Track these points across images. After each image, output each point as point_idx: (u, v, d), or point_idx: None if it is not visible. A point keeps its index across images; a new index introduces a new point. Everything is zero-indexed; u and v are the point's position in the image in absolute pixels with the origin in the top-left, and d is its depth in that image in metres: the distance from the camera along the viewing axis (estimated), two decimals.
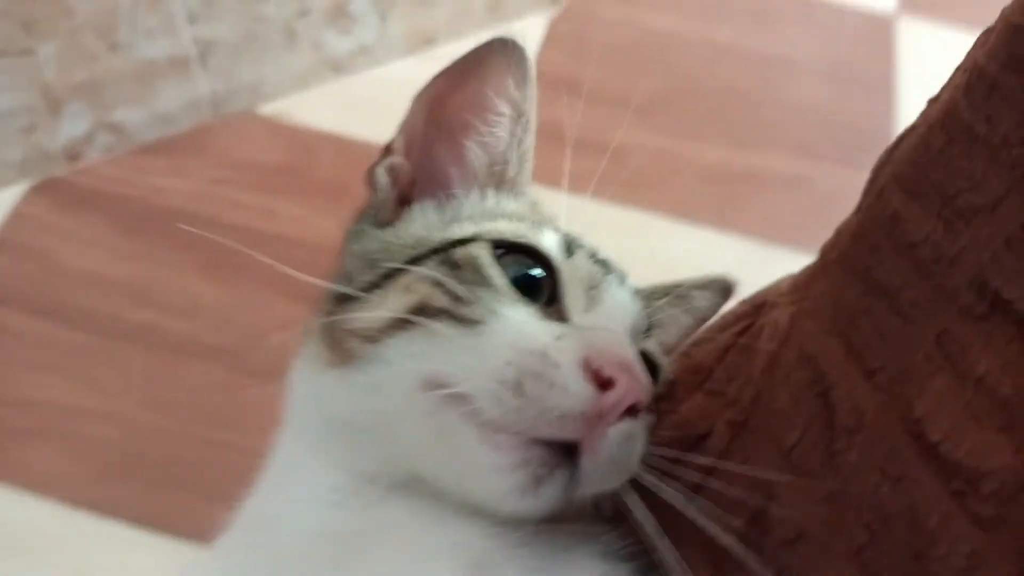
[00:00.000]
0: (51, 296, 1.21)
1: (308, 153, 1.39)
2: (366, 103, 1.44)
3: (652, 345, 0.54)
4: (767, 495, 0.50)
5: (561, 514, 0.45)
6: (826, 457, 0.49)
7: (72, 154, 1.27)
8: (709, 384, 0.55)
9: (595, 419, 0.41)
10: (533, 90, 0.56)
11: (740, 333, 0.57)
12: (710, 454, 0.53)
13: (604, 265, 0.54)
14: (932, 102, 0.49)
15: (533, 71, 0.55)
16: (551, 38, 1.50)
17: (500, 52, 0.54)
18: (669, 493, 0.45)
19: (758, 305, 0.58)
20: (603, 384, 0.41)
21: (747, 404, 0.53)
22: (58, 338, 1.18)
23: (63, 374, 1.16)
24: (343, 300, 0.50)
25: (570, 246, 0.52)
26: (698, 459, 0.49)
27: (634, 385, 0.42)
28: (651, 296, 0.58)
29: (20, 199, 1.25)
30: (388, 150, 0.58)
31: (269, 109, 1.41)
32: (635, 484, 0.47)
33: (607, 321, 0.48)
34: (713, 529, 0.44)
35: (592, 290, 0.50)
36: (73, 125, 1.25)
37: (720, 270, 1.32)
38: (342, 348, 0.49)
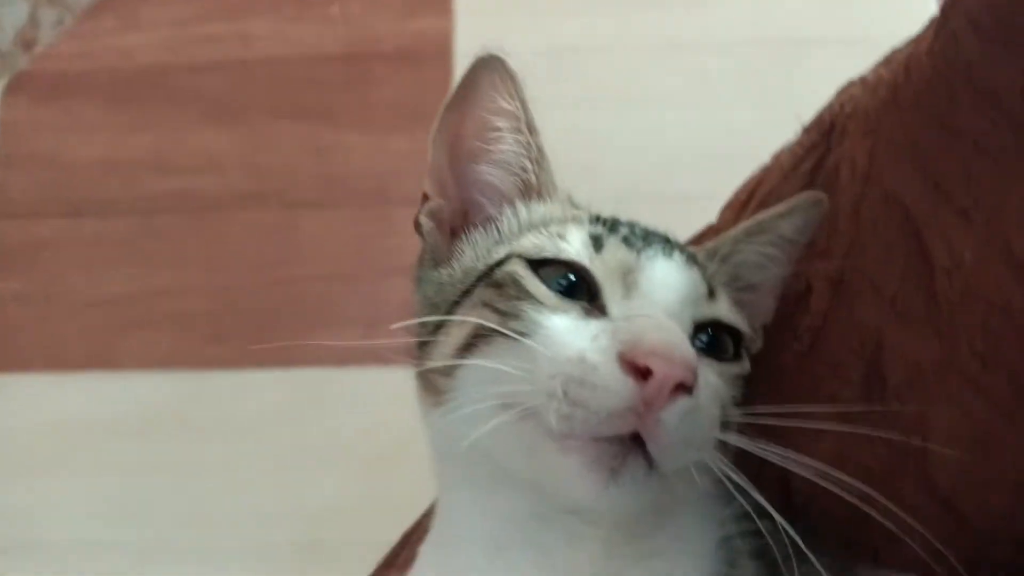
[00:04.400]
0: (74, 194, 1.20)
1: None
2: None
3: (720, 308, 0.53)
4: (878, 344, 0.53)
5: (684, 495, 0.48)
6: (929, 297, 0.51)
7: (26, 42, 1.18)
8: None
9: (643, 409, 0.42)
10: (524, 96, 0.56)
11: (815, 169, 0.57)
12: (814, 312, 0.56)
13: (644, 241, 0.53)
14: None
15: (518, 79, 0.56)
16: None
17: (486, 68, 0.55)
18: (759, 450, 0.47)
19: (826, 132, 0.57)
20: (643, 374, 0.42)
21: (840, 257, 0.55)
22: (103, 232, 1.19)
23: (125, 264, 1.18)
24: (423, 345, 0.53)
25: (599, 240, 0.52)
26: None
27: (672, 368, 0.42)
28: (733, 242, 0.57)
29: None
30: (425, 197, 0.58)
31: None
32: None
33: (647, 304, 0.48)
34: (803, 470, 0.46)
35: (628, 276, 0.50)
36: (12, 13, 1.15)
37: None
38: (433, 388, 0.51)
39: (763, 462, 0.49)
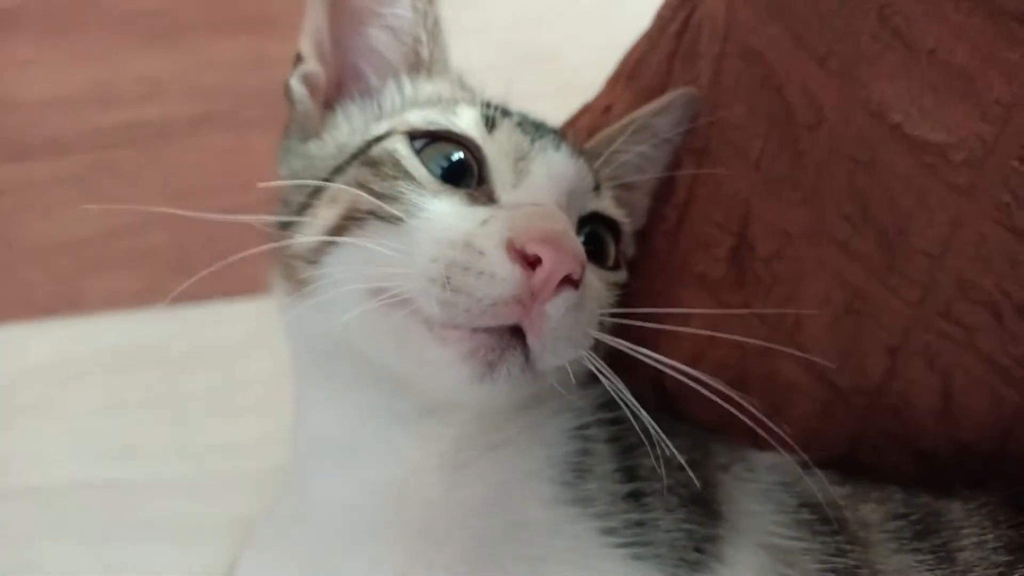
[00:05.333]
0: (20, 136, 1.19)
1: None
2: None
3: (604, 202, 0.50)
4: (746, 215, 0.49)
5: (545, 390, 0.45)
6: (794, 159, 0.47)
7: None
8: None
9: (529, 299, 0.40)
10: None
11: (680, 33, 0.52)
12: (680, 187, 0.52)
13: (536, 130, 0.49)
14: None
15: None
16: None
17: None
18: (631, 350, 0.44)
19: None
20: (531, 263, 0.39)
21: (704, 125, 0.50)
22: (54, 173, 1.18)
23: (82, 204, 1.17)
24: (285, 226, 0.48)
25: (492, 120, 0.49)
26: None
27: (562, 258, 0.39)
28: (609, 141, 0.53)
29: None
30: (298, 58, 0.52)
31: None
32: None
33: (537, 193, 0.45)
34: (673, 371, 0.44)
35: (520, 162, 0.47)
36: None
37: None
38: (293, 275, 0.47)
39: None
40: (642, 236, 0.54)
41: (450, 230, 0.42)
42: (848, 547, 0.42)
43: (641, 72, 0.55)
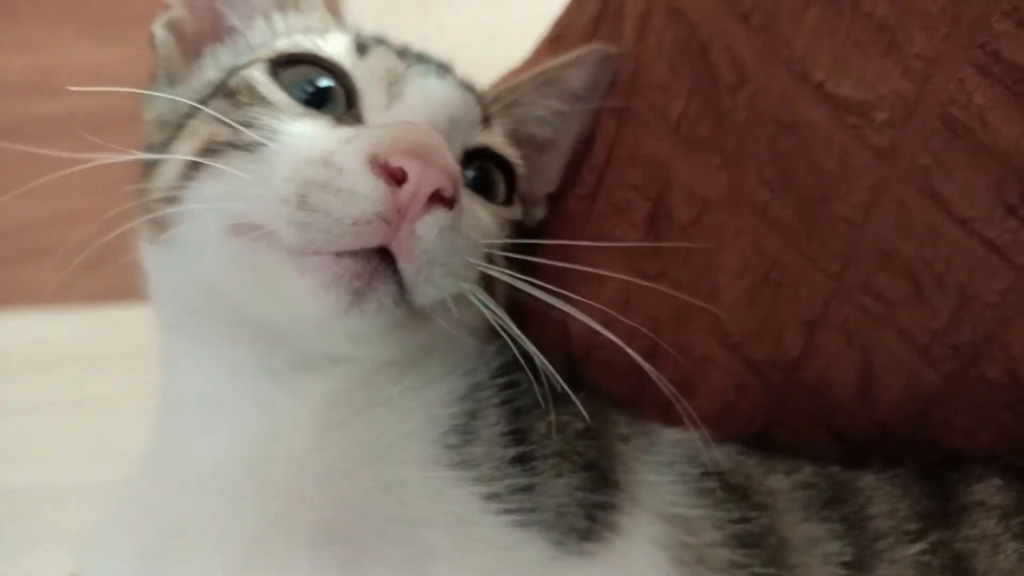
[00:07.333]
0: None
1: None
2: None
3: (494, 138, 0.48)
4: (665, 180, 0.47)
5: (434, 343, 0.43)
6: (715, 121, 0.46)
7: None
8: None
9: (396, 217, 0.37)
10: None
11: None
12: (599, 149, 0.50)
13: (417, 59, 0.47)
14: None
15: None
16: None
17: None
18: (520, 284, 0.42)
19: None
20: (398, 180, 0.37)
21: (625, 85, 0.49)
22: None
23: (9, 194, 1.13)
24: (148, 172, 0.46)
25: (364, 45, 0.47)
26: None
27: (430, 171, 0.37)
28: (516, 89, 0.51)
29: None
30: (166, 5, 0.51)
31: None
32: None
33: (410, 114, 0.43)
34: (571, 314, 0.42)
35: (394, 86, 0.45)
36: None
37: None
38: (156, 219, 0.45)
39: (545, 315, 0.44)
40: (557, 199, 0.52)
41: (308, 149, 0.39)
42: (753, 514, 0.39)
43: (566, 35, 0.53)
